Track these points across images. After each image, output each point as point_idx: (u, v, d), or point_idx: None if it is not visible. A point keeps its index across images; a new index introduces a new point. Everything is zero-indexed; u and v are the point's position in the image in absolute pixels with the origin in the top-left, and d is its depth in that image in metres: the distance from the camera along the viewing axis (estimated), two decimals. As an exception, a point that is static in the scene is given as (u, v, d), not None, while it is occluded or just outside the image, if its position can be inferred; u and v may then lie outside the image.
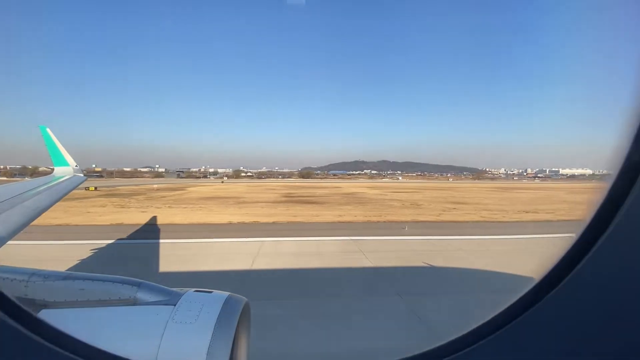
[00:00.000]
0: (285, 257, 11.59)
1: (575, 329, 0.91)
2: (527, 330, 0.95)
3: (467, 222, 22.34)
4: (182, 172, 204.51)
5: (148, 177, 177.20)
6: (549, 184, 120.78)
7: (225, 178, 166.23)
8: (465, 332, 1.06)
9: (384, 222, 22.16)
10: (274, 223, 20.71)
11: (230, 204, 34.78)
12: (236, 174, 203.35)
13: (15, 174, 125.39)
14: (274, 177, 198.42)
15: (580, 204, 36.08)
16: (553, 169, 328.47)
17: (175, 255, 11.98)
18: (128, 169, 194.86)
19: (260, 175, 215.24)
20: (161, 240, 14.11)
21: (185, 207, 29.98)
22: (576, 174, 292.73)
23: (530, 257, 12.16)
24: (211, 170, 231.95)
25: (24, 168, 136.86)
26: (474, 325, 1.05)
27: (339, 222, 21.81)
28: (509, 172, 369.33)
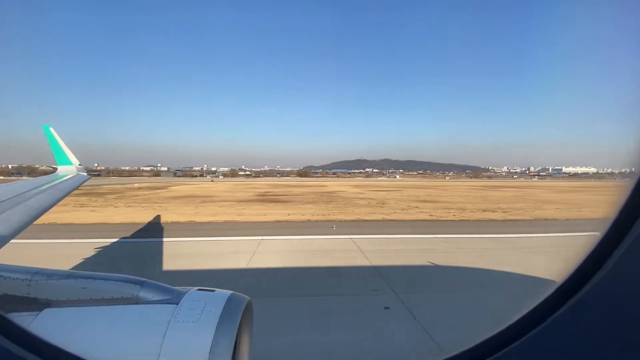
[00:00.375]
0: (166, 258, 11.33)
1: (604, 339, 0.84)
2: (544, 344, 0.87)
3: (411, 220, 21.86)
4: (180, 171, 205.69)
5: (147, 175, 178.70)
6: (543, 182, 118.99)
7: (220, 177, 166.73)
8: (477, 342, 1.00)
9: (327, 220, 21.79)
10: (208, 223, 20.50)
11: (196, 202, 34.63)
12: (232, 173, 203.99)
13: (12, 173, 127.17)
14: (271, 176, 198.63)
15: (549, 202, 35.39)
16: (556, 167, 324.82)
17: (27, 256, 11.54)
18: (126, 168, 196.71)
19: (258, 174, 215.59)
20: (52, 240, 14.01)
21: (142, 207, 29.88)
22: (579, 172, 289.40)
23: (409, 254, 11.85)
24: (213, 169, 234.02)
25: (21, 167, 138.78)
26: (486, 335, 0.98)
27: (280, 220, 21.50)
28: (511, 170, 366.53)
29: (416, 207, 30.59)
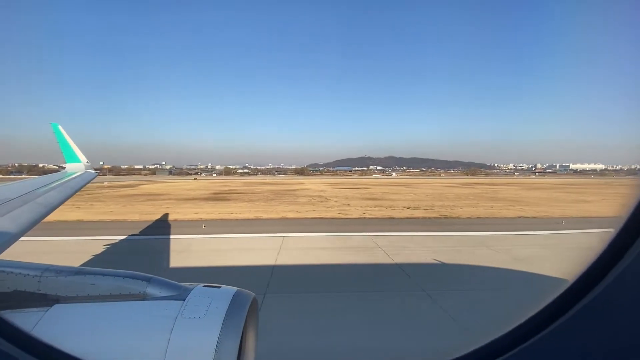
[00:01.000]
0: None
1: (617, 342, 0.80)
2: (554, 345, 0.85)
3: (313, 218, 21.46)
4: (177, 169, 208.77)
5: (144, 174, 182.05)
6: (538, 179, 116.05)
7: (214, 175, 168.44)
8: (486, 342, 0.97)
9: (232, 220, 21.63)
10: (97, 222, 20.61)
11: (139, 200, 34.91)
12: (227, 171, 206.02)
13: (11, 172, 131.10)
14: (268, 174, 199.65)
15: (501, 200, 34.40)
16: (563, 164, 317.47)
17: None
18: (125, 167, 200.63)
19: (255, 172, 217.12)
20: None
21: (73, 206, 30.27)
22: (587, 169, 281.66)
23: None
24: (218, 167, 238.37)
25: (21, 165, 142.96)
26: (495, 335, 0.96)
27: (181, 220, 21.46)
28: (517, 167, 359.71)
29: (347, 205, 30.06)
